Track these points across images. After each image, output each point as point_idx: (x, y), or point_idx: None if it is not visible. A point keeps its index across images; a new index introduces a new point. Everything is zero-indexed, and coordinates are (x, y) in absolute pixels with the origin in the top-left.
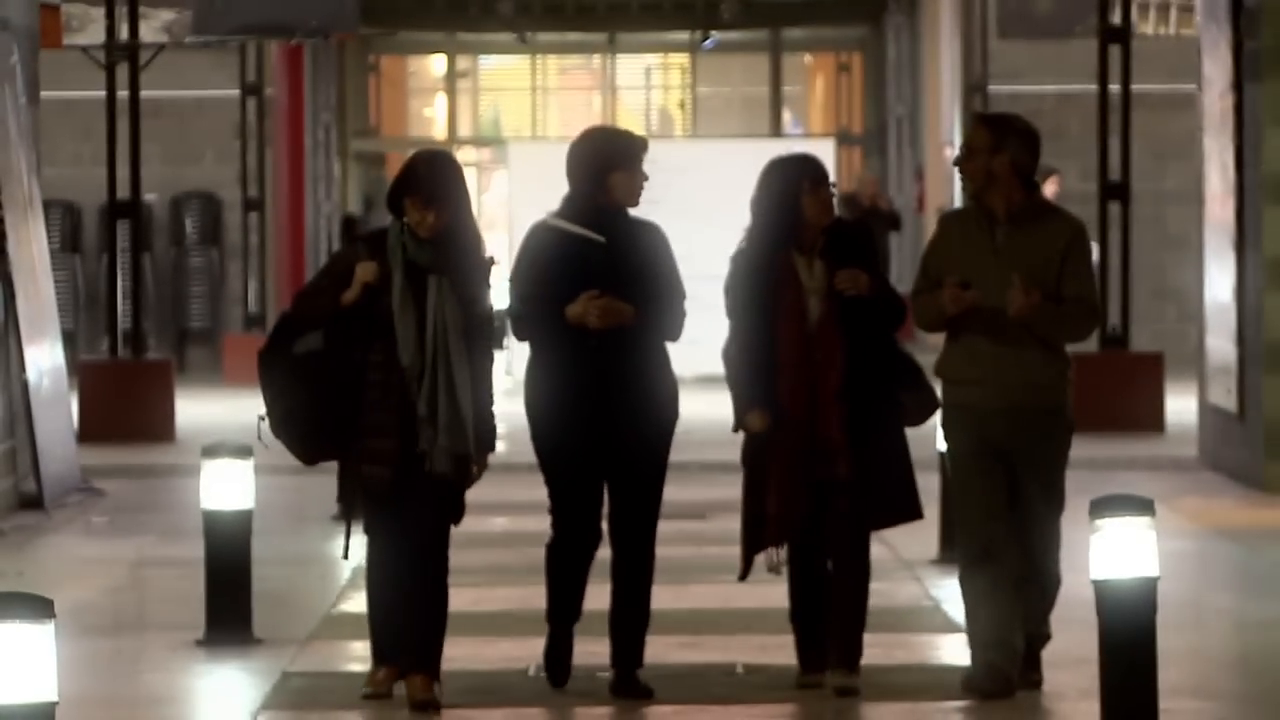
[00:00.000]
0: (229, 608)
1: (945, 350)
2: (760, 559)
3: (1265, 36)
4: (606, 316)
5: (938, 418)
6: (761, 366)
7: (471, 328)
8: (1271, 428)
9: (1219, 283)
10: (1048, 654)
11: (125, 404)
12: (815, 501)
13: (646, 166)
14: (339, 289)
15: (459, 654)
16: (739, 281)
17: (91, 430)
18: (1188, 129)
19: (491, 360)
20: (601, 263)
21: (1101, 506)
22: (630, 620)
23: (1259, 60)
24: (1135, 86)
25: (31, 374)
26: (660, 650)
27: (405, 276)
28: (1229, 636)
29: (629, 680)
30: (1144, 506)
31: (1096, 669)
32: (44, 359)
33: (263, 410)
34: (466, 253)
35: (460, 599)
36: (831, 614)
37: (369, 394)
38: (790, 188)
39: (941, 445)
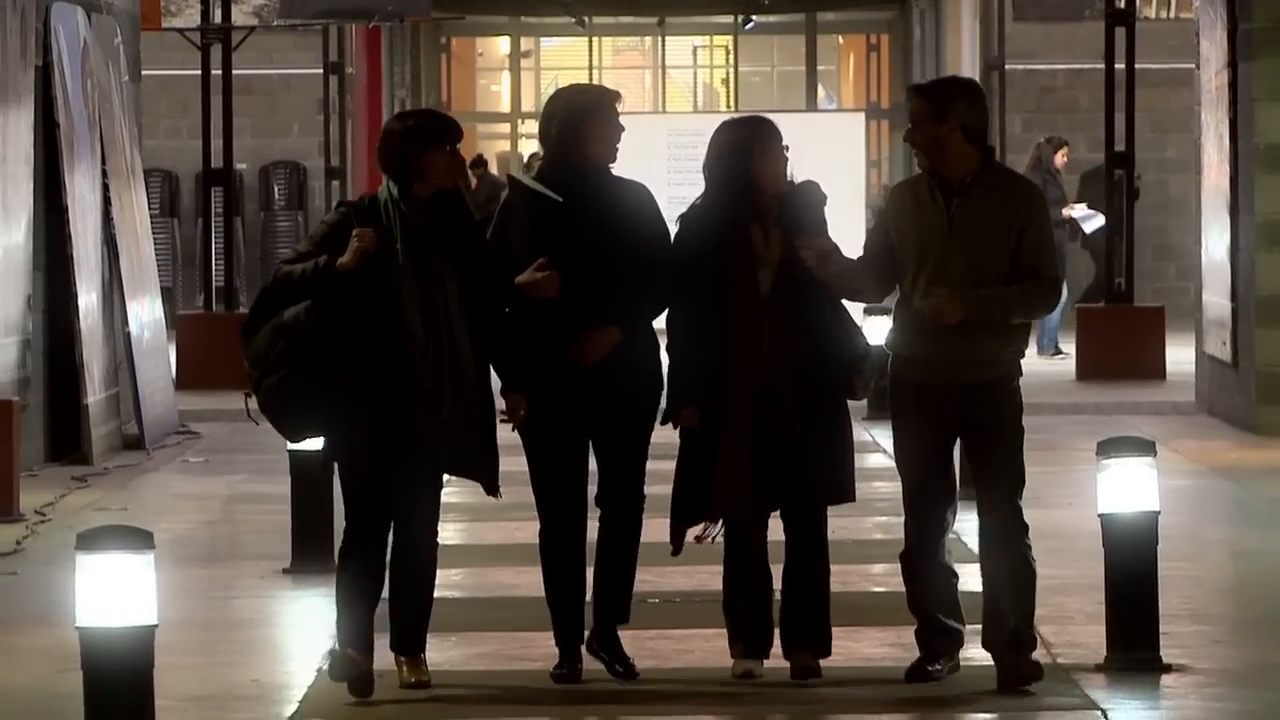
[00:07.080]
0: (313, 539)
1: (895, 324)
2: (692, 532)
3: (1257, 19)
4: (591, 356)
5: None
6: (704, 350)
7: (477, 294)
8: (1262, 376)
9: (1215, 243)
10: (1056, 581)
11: (218, 354)
12: (759, 482)
13: (693, 138)
14: (329, 257)
15: (493, 581)
16: (688, 247)
17: (188, 378)
18: (1187, 104)
19: (499, 326)
20: (569, 225)
21: (1107, 447)
22: (615, 582)
23: (1251, 41)
24: (1139, 65)
25: (133, 327)
26: (680, 579)
27: (405, 244)
28: (1224, 565)
29: (608, 636)
30: (1146, 447)
31: (1103, 595)
32: (145, 313)
33: (249, 388)
34: (461, 213)
35: (495, 532)
36: (788, 594)
37: (357, 369)
38: (740, 152)
39: None
